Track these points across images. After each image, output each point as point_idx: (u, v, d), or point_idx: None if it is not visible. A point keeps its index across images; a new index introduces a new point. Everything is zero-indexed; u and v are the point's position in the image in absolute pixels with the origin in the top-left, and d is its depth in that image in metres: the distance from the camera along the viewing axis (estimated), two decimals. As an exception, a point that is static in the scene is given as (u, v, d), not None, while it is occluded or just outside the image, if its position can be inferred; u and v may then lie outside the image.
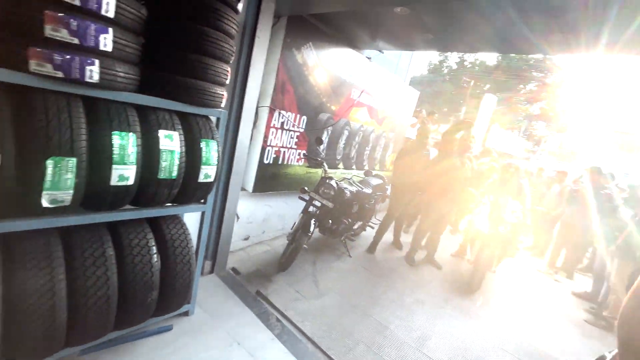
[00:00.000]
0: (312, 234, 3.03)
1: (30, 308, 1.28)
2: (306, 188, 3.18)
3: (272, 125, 3.07)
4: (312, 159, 3.37)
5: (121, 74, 1.39)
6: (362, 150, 4.75)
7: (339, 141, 4.15)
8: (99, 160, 1.36)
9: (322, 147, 3.41)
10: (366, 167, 4.97)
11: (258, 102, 2.79)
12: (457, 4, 2.33)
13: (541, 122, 24.87)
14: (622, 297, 2.64)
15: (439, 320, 2.90)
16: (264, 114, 2.96)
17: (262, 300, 2.62)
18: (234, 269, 2.96)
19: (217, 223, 2.69)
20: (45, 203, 1.27)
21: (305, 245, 3.01)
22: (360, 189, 3.64)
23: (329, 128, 3.82)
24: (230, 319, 2.26)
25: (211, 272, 2.78)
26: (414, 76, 6.66)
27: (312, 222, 3.03)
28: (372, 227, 4.25)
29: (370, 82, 4.20)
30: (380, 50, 4.07)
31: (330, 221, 3.32)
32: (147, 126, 1.55)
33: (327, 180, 3.16)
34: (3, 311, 1.24)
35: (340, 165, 4.38)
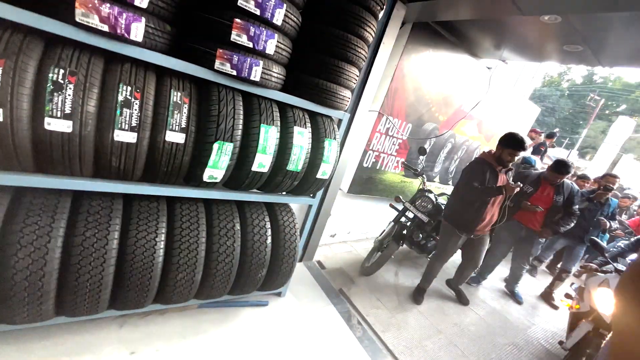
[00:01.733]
0: (402, 244, 2.95)
1: (181, 261, 1.57)
2: (401, 197, 3.11)
3: (377, 129, 3.08)
4: (410, 169, 3.27)
5: (275, 75, 1.57)
6: (462, 166, 4.39)
7: (440, 153, 3.93)
8: (247, 147, 1.57)
9: (422, 157, 3.28)
10: (463, 185, 4.60)
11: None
12: (625, 15, 1.95)
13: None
14: None
15: (536, 373, 2.52)
16: (372, 117, 2.99)
17: (344, 299, 2.67)
18: (319, 262, 3.09)
19: (314, 216, 2.83)
20: (205, 177, 1.52)
21: (392, 255, 2.95)
22: (458, 207, 3.39)
23: (432, 138, 3.65)
24: (316, 310, 2.37)
25: (300, 260, 2.95)
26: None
27: (404, 233, 2.95)
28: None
29: (486, 94, 3.85)
30: (503, 60, 3.69)
31: (420, 235, 3.18)
32: (285, 122, 1.72)
33: (426, 193, 3.03)
34: (165, 262, 1.53)
35: (437, 179, 4.15)
